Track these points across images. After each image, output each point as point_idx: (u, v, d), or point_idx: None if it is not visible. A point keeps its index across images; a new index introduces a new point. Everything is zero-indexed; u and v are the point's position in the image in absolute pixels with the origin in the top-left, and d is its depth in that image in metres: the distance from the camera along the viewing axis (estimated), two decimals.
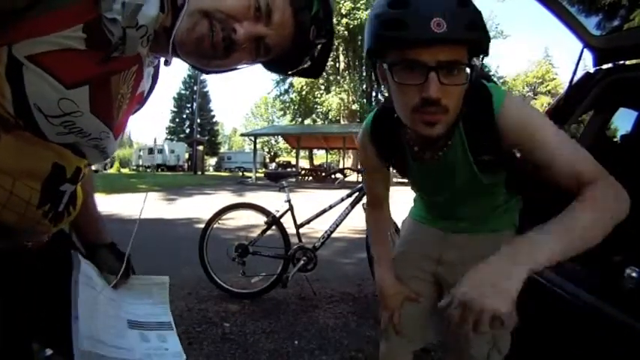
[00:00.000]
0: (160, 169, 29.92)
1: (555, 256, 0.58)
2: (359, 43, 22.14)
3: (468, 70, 0.67)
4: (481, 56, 0.72)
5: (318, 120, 26.86)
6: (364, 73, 24.20)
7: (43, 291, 0.65)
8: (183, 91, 40.34)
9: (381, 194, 1.06)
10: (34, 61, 0.45)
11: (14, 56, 0.44)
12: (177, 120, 41.06)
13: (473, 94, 0.73)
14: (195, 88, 33.84)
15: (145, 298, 0.76)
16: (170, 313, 0.77)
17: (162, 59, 0.60)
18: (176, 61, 0.58)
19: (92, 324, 0.62)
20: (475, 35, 0.65)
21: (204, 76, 37.18)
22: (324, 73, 23.55)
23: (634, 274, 1.32)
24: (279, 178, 2.66)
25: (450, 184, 0.88)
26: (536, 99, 34.51)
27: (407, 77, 0.67)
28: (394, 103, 0.74)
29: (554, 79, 34.85)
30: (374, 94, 25.30)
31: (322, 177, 16.54)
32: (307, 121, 26.87)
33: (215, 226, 2.58)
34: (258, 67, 0.67)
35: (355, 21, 20.26)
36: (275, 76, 25.82)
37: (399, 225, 1.27)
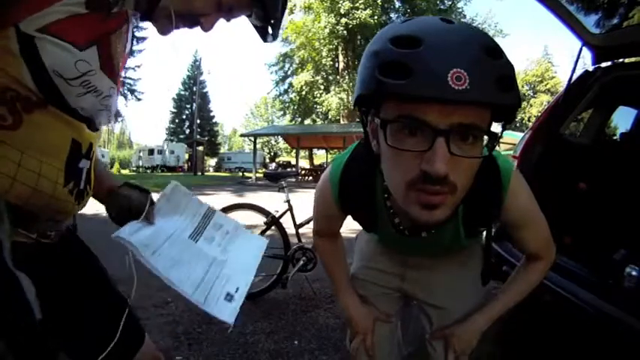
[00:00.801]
0: (160, 170, 29.97)
1: (502, 312, 0.81)
2: (358, 42, 22.15)
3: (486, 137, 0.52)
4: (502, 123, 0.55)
5: (318, 120, 26.87)
6: None
7: (58, 289, 0.65)
8: (182, 92, 40.35)
9: (336, 230, 0.92)
10: (45, 32, 0.49)
11: (24, 32, 0.48)
12: (176, 121, 41.06)
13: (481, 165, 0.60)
14: (194, 88, 33.85)
15: (175, 208, 0.76)
16: (197, 199, 0.79)
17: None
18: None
19: (186, 275, 0.67)
20: (505, 98, 0.47)
21: (203, 77, 37.25)
22: (324, 73, 23.71)
23: (634, 273, 1.32)
24: (278, 178, 2.65)
25: (426, 248, 0.83)
26: (535, 97, 34.56)
27: (405, 140, 0.50)
28: (384, 172, 0.57)
29: (554, 77, 34.90)
30: None
31: None
32: (307, 121, 26.87)
33: None
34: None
35: (354, 21, 20.23)
36: (275, 77, 25.85)
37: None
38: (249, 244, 0.81)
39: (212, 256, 0.73)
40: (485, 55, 0.47)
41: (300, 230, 2.57)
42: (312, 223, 2.76)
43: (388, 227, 0.74)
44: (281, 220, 2.51)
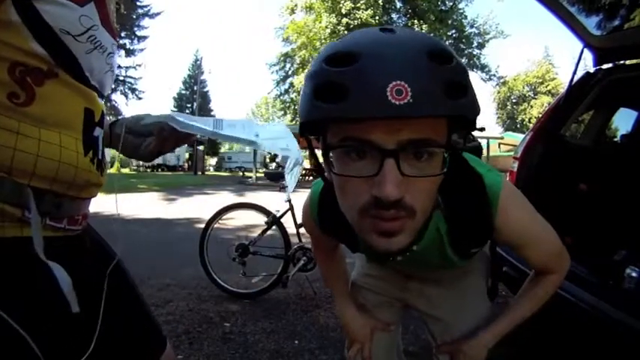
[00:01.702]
0: (160, 169, 30.01)
1: (509, 328, 0.76)
2: None
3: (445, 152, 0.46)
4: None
5: None
6: None
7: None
8: (183, 91, 40.37)
9: (331, 243, 0.87)
10: None
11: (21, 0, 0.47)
12: None
13: (460, 182, 0.57)
14: (195, 88, 33.87)
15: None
16: (201, 118, 0.81)
17: None
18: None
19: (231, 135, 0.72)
20: (457, 107, 0.42)
21: (204, 77, 37.31)
22: None
23: (634, 274, 1.32)
24: (278, 177, 2.66)
25: (417, 267, 0.80)
26: (536, 99, 34.53)
27: (352, 165, 0.46)
28: (338, 199, 0.52)
29: (555, 78, 34.82)
30: None
31: None
32: None
33: (215, 226, 2.58)
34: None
35: (355, 21, 20.22)
36: (275, 76, 25.85)
37: None
38: (270, 126, 0.84)
39: (244, 136, 0.75)
40: (430, 61, 0.42)
41: (301, 230, 2.57)
42: None
43: (369, 249, 0.71)
44: (282, 220, 2.51)
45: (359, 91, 0.41)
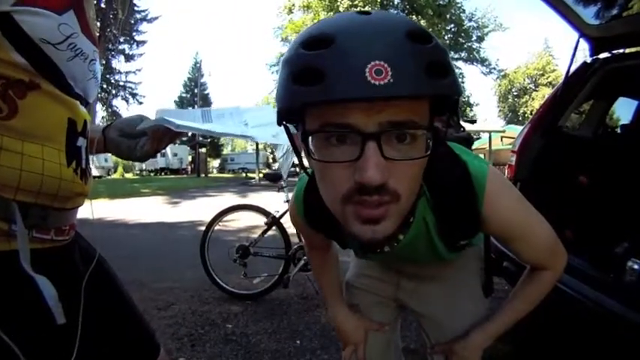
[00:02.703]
0: (163, 173, 30.17)
1: (503, 329, 0.75)
2: None
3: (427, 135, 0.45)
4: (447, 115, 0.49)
5: None
6: None
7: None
8: (184, 94, 40.47)
9: (322, 243, 0.85)
10: (21, 4, 0.48)
11: (0, 12, 0.47)
12: None
13: (444, 171, 0.56)
14: (195, 90, 33.94)
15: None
16: (188, 110, 0.83)
17: None
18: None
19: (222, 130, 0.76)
20: (439, 86, 0.41)
21: (204, 79, 37.38)
22: None
23: (636, 267, 1.31)
24: (277, 178, 2.66)
25: (407, 261, 0.78)
26: (537, 91, 34.33)
27: (332, 151, 0.44)
28: (319, 189, 0.51)
29: (555, 70, 34.57)
30: None
31: None
32: None
33: (216, 228, 2.59)
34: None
35: None
36: (276, 77, 25.84)
37: None
38: (257, 110, 0.85)
39: (235, 130, 0.77)
40: (409, 40, 0.40)
41: None
42: None
43: (355, 243, 0.69)
44: (281, 220, 2.51)
45: (337, 73, 0.39)
